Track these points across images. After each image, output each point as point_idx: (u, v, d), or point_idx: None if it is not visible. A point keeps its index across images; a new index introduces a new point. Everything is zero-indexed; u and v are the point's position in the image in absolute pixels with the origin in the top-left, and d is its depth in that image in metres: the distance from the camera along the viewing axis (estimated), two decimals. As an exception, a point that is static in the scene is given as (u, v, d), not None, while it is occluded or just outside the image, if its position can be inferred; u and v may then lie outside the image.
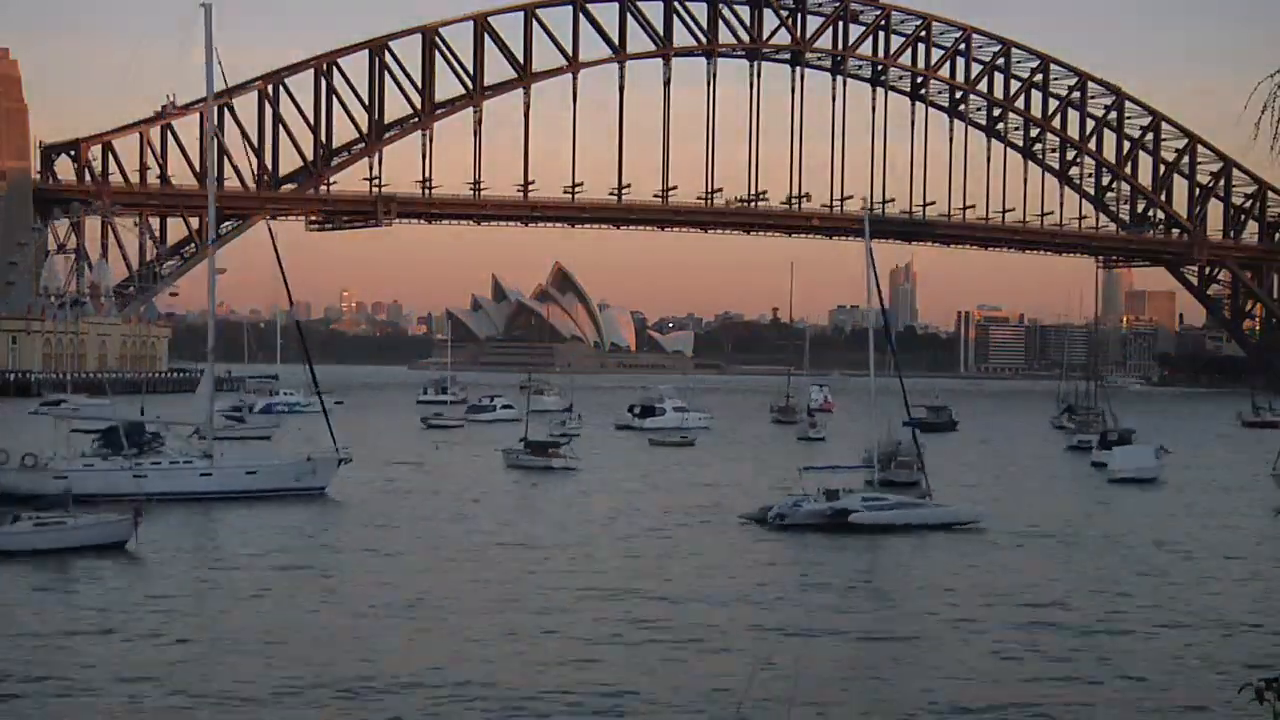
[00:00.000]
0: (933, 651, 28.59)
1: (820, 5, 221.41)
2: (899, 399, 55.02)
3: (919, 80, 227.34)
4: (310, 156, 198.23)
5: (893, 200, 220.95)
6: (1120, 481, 66.11)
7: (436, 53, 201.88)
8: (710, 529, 46.95)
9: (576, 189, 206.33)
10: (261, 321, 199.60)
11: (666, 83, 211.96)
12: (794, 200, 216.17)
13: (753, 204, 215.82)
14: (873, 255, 54.12)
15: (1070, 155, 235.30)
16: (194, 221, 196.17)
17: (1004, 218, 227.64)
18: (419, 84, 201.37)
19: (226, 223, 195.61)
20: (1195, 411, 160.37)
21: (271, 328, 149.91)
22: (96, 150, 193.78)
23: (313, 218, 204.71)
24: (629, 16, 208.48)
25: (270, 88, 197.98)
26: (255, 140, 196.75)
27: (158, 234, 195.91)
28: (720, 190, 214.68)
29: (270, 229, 70.64)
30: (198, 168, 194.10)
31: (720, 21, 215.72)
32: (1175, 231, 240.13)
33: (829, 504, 46.34)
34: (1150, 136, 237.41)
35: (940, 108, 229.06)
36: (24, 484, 47.96)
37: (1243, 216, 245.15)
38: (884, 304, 60.70)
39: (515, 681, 25.03)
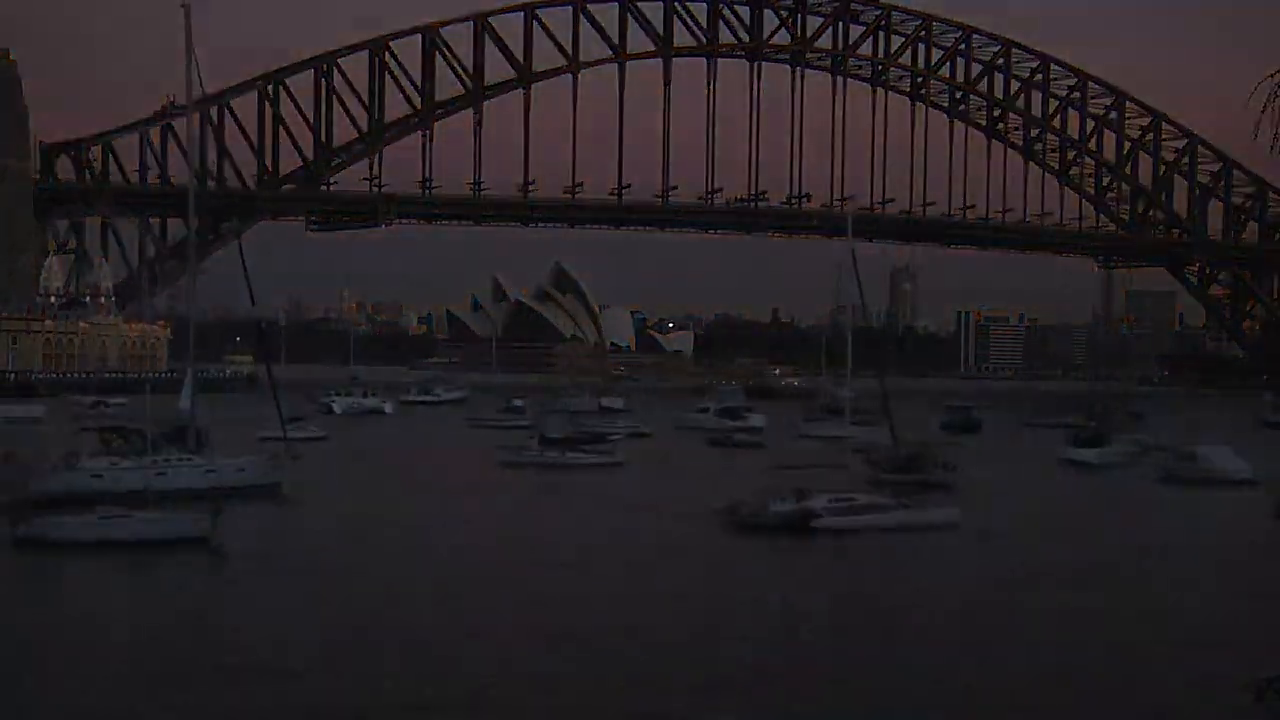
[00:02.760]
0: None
1: (820, 5, 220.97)
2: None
3: (919, 80, 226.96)
4: (310, 156, 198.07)
5: (893, 200, 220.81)
6: (1225, 484, 62.95)
7: (436, 53, 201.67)
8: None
9: (576, 189, 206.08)
10: (263, 321, 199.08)
11: (666, 83, 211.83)
12: (794, 200, 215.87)
13: (753, 204, 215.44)
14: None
15: (1070, 155, 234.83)
16: (194, 221, 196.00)
17: (1004, 218, 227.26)
18: (419, 84, 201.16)
19: (226, 223, 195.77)
20: (1218, 413, 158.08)
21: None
22: (96, 150, 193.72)
23: (312, 218, 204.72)
24: (629, 16, 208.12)
25: (270, 88, 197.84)
26: (255, 140, 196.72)
27: (158, 234, 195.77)
28: (720, 190, 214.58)
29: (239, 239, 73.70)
30: (199, 167, 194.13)
31: (720, 21, 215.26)
32: (1175, 231, 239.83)
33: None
34: (1150, 136, 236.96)
35: (940, 108, 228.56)
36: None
37: (1243, 216, 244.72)
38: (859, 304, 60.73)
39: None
